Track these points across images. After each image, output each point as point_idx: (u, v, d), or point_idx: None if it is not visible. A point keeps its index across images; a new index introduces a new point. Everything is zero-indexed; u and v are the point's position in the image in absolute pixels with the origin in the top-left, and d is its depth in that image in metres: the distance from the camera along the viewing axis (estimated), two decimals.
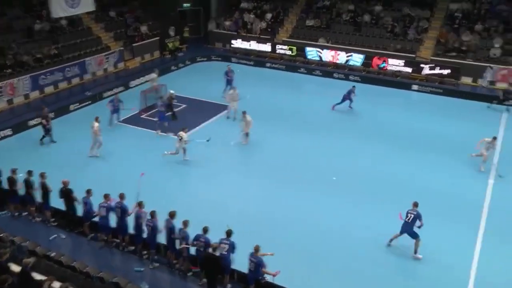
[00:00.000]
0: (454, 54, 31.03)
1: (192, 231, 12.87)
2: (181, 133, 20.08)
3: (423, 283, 13.83)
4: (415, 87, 30.22)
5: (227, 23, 38.06)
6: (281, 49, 35.20)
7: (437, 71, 30.50)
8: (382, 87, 30.25)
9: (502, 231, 16.10)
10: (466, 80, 30.32)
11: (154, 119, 23.96)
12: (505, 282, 13.80)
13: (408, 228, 14.48)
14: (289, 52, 34.90)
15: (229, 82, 27.65)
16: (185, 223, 12.95)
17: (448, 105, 27.67)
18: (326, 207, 17.33)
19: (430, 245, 14.87)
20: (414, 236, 14.50)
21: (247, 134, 21.90)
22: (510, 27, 31.39)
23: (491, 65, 29.36)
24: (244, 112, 21.79)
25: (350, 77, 31.80)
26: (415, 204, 14.62)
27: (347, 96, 26.21)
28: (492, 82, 29.64)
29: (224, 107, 25.43)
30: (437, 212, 16.59)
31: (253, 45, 36.14)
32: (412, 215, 14.38)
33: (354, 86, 26.62)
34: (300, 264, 14.28)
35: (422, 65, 30.93)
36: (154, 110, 24.61)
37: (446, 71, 30.33)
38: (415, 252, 14.62)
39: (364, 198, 17.91)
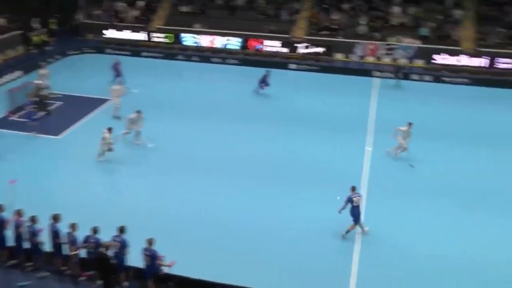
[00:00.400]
0: (326, 33, 32.47)
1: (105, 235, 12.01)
2: (105, 133, 18.82)
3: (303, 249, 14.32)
4: (292, 66, 31.19)
5: (98, 12, 36.27)
6: (157, 37, 34.38)
7: (311, 49, 31.70)
8: (261, 68, 30.67)
9: (382, 191, 17.30)
10: (339, 56, 31.91)
11: (25, 119, 22.12)
12: (389, 236, 14.77)
13: (357, 212, 14.71)
14: (165, 40, 34.18)
15: (117, 75, 26.31)
16: (73, 226, 12.11)
17: (324, 80, 28.94)
18: (231, 195, 17.14)
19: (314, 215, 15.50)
20: (358, 220, 14.81)
21: (139, 133, 20.48)
22: (373, 5, 33.60)
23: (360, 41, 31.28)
24: (138, 111, 20.33)
25: (228, 60, 32.01)
26: (353, 188, 14.88)
27: (263, 80, 26.28)
28: (362, 57, 31.53)
29: (102, 101, 24.26)
30: (314, 181, 17.55)
31: (127, 35, 34.85)
32: (359, 197, 14.67)
33: (268, 71, 26.73)
34: (211, 253, 14.08)
35: (296, 45, 31.95)
36: (24, 111, 22.75)
37: (319, 49, 31.63)
38: (347, 232, 14.90)
39: (264, 182, 17.98)
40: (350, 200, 14.47)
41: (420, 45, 30.91)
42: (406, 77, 29.41)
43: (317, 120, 23.37)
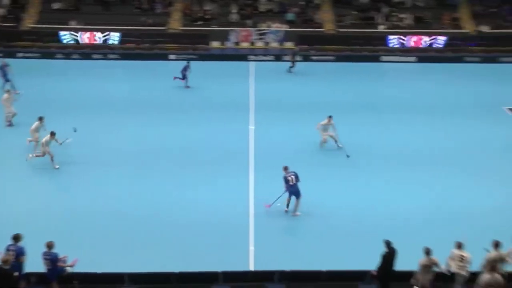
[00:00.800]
0: (201, 23, 32.43)
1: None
2: (47, 136, 17.16)
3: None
4: (172, 56, 30.77)
5: None
6: (31, 36, 31.84)
7: (188, 39, 31.54)
8: (140, 61, 29.94)
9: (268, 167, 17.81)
10: (215, 44, 32.08)
11: None
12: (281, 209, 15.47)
13: (295, 189, 14.93)
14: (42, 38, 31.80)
15: (5, 78, 24.01)
16: None
17: (204, 67, 28.93)
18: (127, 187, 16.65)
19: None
20: (299, 195, 15.05)
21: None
22: None
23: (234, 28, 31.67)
24: (40, 117, 18.37)
25: (109, 55, 30.77)
26: (285, 168, 15.09)
27: (184, 72, 25.41)
28: (237, 43, 32.02)
29: None
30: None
31: None
32: (293, 176, 14.87)
33: (188, 62, 25.90)
34: (120, 245, 13.62)
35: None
36: None
37: (196, 39, 31.60)
38: (287, 206, 15.21)
39: (158, 171, 17.69)
40: (286, 179, 14.81)
41: (288, 29, 32.09)
42: (278, 59, 30.49)
43: (201, 105, 23.47)
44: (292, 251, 13.51)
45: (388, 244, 11.19)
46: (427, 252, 10.90)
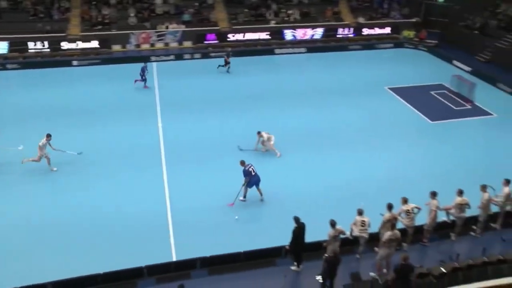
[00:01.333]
0: (100, 27, 30.86)
1: None
2: (43, 139, 16.48)
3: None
4: (75, 62, 28.95)
5: None
6: None
7: (86, 45, 29.85)
8: (42, 69, 27.83)
9: (181, 162, 17.72)
10: (116, 47, 30.78)
11: None
12: (195, 201, 15.27)
13: (256, 178, 14.88)
14: None
15: None
16: None
17: (107, 71, 27.68)
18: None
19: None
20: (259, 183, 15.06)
21: None
22: None
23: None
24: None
25: (8, 65, 28.15)
26: (242, 162, 15.02)
27: (142, 74, 24.73)
28: (138, 45, 30.96)
29: None
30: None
31: None
32: (252, 167, 14.92)
33: (145, 64, 25.13)
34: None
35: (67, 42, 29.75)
36: None
37: (96, 43, 30.03)
38: (244, 196, 15.18)
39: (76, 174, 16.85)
40: (247, 172, 14.81)
41: (185, 29, 31.62)
42: (178, 58, 30.04)
43: (108, 108, 22.49)
44: (210, 238, 13.55)
45: (297, 220, 11.57)
46: (333, 224, 11.55)
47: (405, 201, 12.66)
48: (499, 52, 29.59)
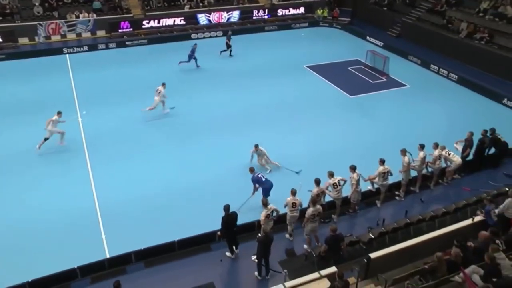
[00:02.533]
0: (1, 19, 28.55)
1: None
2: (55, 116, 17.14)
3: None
4: None
5: None
6: None
7: None
8: None
9: (104, 156, 17.17)
10: (24, 40, 28.74)
11: None
12: (122, 194, 14.92)
13: (268, 184, 14.02)
14: None
15: None
16: None
17: (15, 67, 25.81)
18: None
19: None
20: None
21: None
22: None
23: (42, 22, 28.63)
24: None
25: None
26: (251, 169, 14.33)
27: (192, 54, 25.28)
28: (47, 37, 29.12)
29: None
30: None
31: None
32: (261, 174, 14.23)
33: (196, 44, 25.81)
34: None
35: None
36: None
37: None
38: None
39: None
40: (258, 180, 13.99)
41: (96, 18, 30.21)
42: (92, 48, 28.75)
43: (21, 106, 21.02)
44: (142, 230, 13.30)
45: (226, 208, 11.63)
46: (265, 203, 11.87)
47: (331, 174, 13.21)
48: (407, 26, 31.39)
